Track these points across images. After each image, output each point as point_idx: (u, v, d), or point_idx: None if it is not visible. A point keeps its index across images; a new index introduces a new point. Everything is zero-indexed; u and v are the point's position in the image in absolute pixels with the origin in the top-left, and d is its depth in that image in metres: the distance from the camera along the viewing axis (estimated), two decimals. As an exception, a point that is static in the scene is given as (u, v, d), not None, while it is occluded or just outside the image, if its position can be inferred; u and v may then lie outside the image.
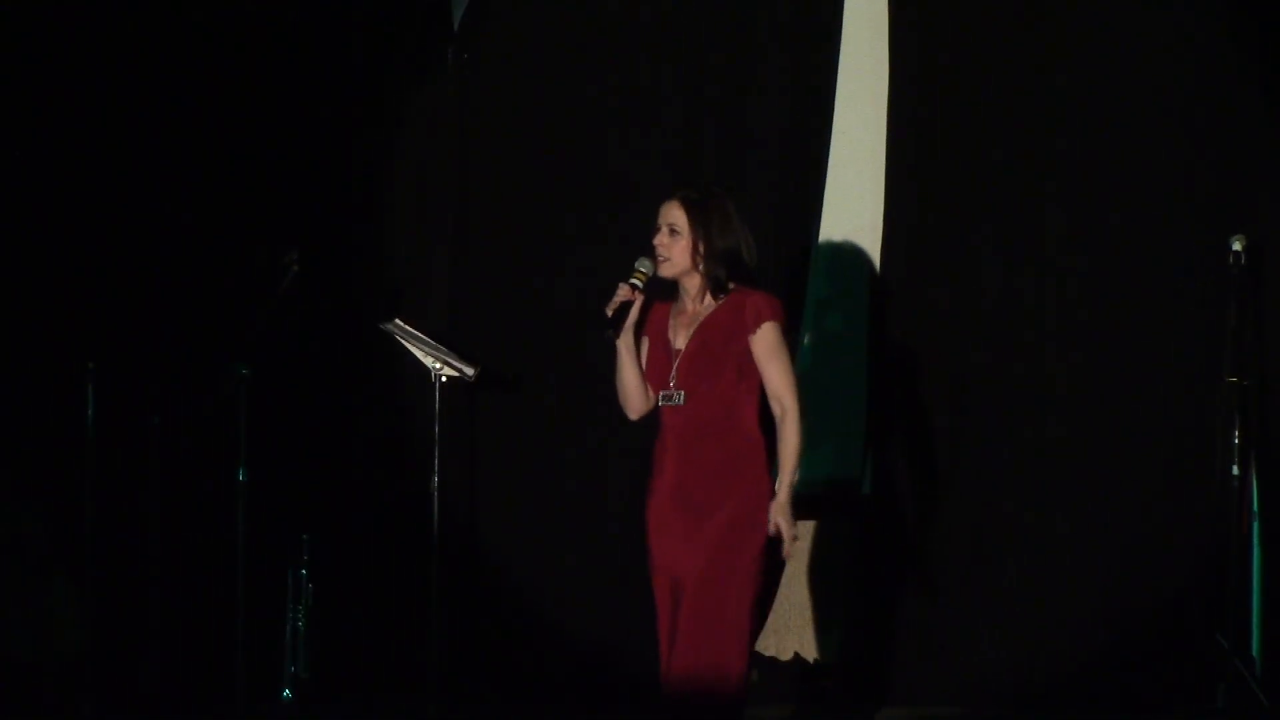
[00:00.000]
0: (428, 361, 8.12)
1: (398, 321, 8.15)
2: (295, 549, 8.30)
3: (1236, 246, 7.86)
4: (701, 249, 6.25)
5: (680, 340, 6.26)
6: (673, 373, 6.24)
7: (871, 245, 8.52)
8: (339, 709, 8.32)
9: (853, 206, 8.61)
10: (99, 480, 8.37)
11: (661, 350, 6.28)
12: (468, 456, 8.62)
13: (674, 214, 6.25)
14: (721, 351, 6.22)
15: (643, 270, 6.21)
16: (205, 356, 8.37)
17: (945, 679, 8.26)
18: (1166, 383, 8.19)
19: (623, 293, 6.18)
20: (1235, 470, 7.87)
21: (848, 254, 8.61)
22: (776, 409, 6.26)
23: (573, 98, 8.76)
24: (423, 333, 8.16)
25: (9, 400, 8.40)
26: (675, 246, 6.25)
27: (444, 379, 8.12)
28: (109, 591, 8.43)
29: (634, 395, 6.29)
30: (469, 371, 8.10)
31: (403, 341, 8.15)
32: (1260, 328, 8.03)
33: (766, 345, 6.24)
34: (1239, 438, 7.89)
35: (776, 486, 6.30)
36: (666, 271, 6.26)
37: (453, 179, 8.86)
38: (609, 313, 6.18)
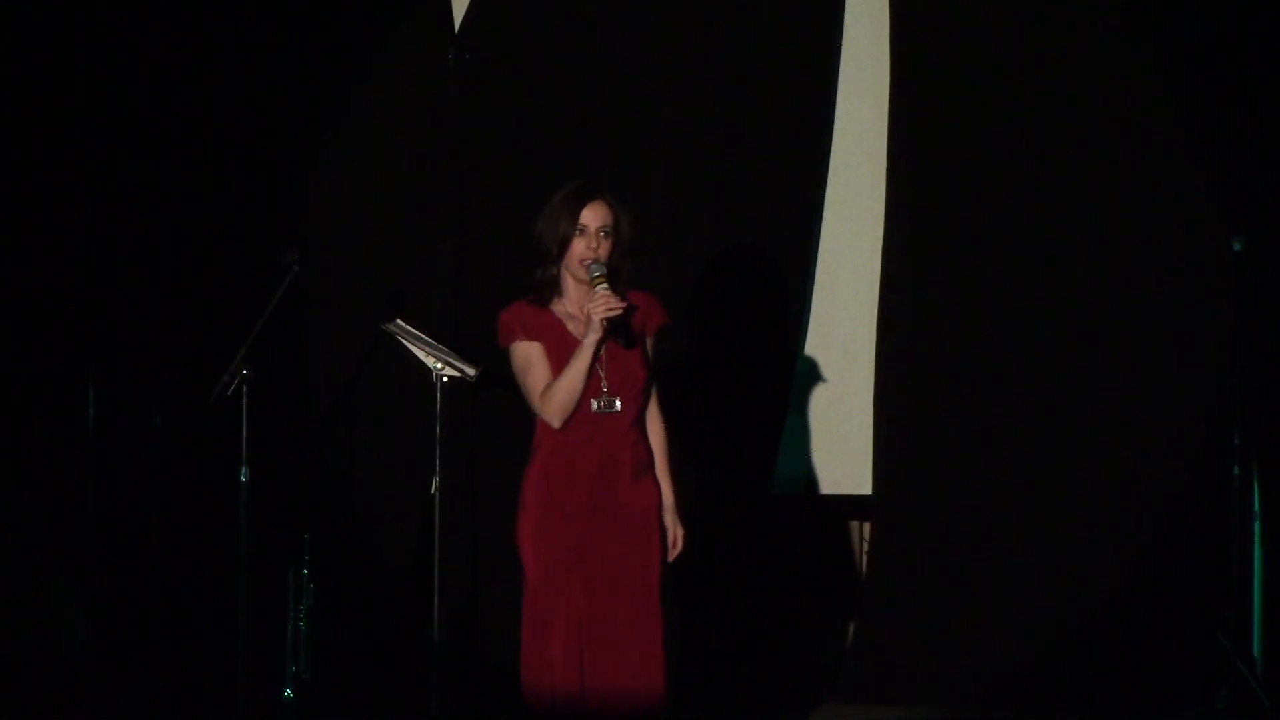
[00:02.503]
0: (429, 362, 8.11)
1: (399, 322, 8.14)
2: (295, 549, 8.29)
3: (1236, 247, 7.87)
4: (618, 251, 6.22)
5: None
6: (603, 379, 6.17)
7: (873, 246, 8.52)
8: (339, 709, 8.31)
9: (854, 208, 8.61)
10: (99, 480, 8.37)
11: (571, 353, 6.15)
12: (469, 457, 8.62)
13: (606, 215, 6.17)
14: (636, 353, 6.20)
15: (603, 275, 6.15)
16: (205, 356, 8.36)
17: (945, 679, 8.27)
18: (1166, 383, 8.20)
19: (615, 301, 6.09)
20: (1235, 470, 7.89)
21: (849, 256, 8.61)
22: (651, 411, 6.29)
23: (573, 98, 8.76)
24: (424, 333, 8.16)
25: (10, 400, 8.40)
26: (604, 248, 6.19)
27: (445, 379, 8.11)
28: (109, 591, 8.43)
29: (576, 400, 6.15)
30: (470, 372, 8.09)
31: (404, 342, 8.14)
32: (1260, 328, 8.04)
33: (651, 346, 6.25)
34: (1239, 438, 7.90)
35: (663, 491, 6.31)
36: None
37: (453, 179, 8.85)
38: (603, 323, 6.08)
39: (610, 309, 6.06)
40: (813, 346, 8.60)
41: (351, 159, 8.87)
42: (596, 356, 6.12)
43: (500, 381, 8.20)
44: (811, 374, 8.59)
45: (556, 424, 6.13)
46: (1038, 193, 8.36)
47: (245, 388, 7.95)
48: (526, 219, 8.60)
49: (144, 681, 8.44)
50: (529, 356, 6.19)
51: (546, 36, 8.80)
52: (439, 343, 8.16)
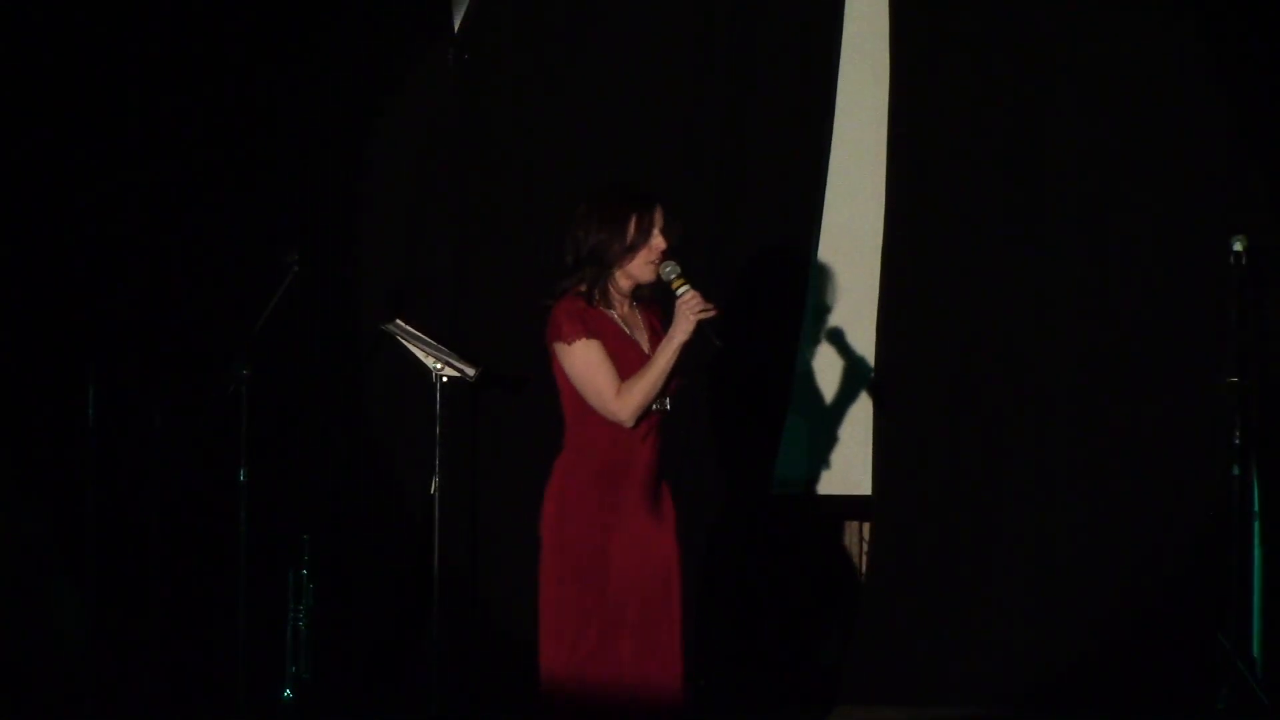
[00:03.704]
0: (429, 362, 8.11)
1: (398, 322, 8.14)
2: (295, 549, 8.29)
3: (1237, 246, 7.87)
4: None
5: (647, 345, 6.15)
6: None
7: (873, 247, 8.52)
8: (339, 709, 8.32)
9: (854, 208, 8.61)
10: (99, 480, 8.37)
11: (633, 355, 6.10)
12: (469, 457, 8.62)
13: (665, 220, 6.18)
14: None
15: (681, 275, 6.07)
16: (205, 356, 8.36)
17: (945, 679, 8.27)
18: (1166, 383, 8.21)
19: (706, 302, 6.02)
20: (1235, 470, 7.88)
21: (849, 256, 8.61)
22: None
23: (573, 98, 8.76)
24: (424, 333, 8.16)
25: (10, 400, 8.40)
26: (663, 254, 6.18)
27: (445, 379, 8.11)
28: (109, 591, 8.43)
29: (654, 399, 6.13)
30: (470, 372, 8.10)
31: (403, 342, 8.15)
32: (1260, 328, 8.04)
33: None
34: (1239, 438, 7.89)
35: None
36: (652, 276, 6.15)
37: (453, 179, 8.85)
38: (696, 322, 5.97)
39: (704, 310, 6.01)
40: (813, 346, 8.60)
41: (351, 158, 8.87)
42: (681, 357, 6.07)
43: (500, 381, 8.23)
44: (811, 374, 8.59)
45: (632, 423, 6.07)
46: (1037, 192, 8.36)
47: (245, 388, 7.95)
48: (526, 219, 8.70)
49: (144, 681, 8.44)
50: (596, 356, 6.08)
51: (546, 36, 8.81)
52: (439, 343, 8.16)
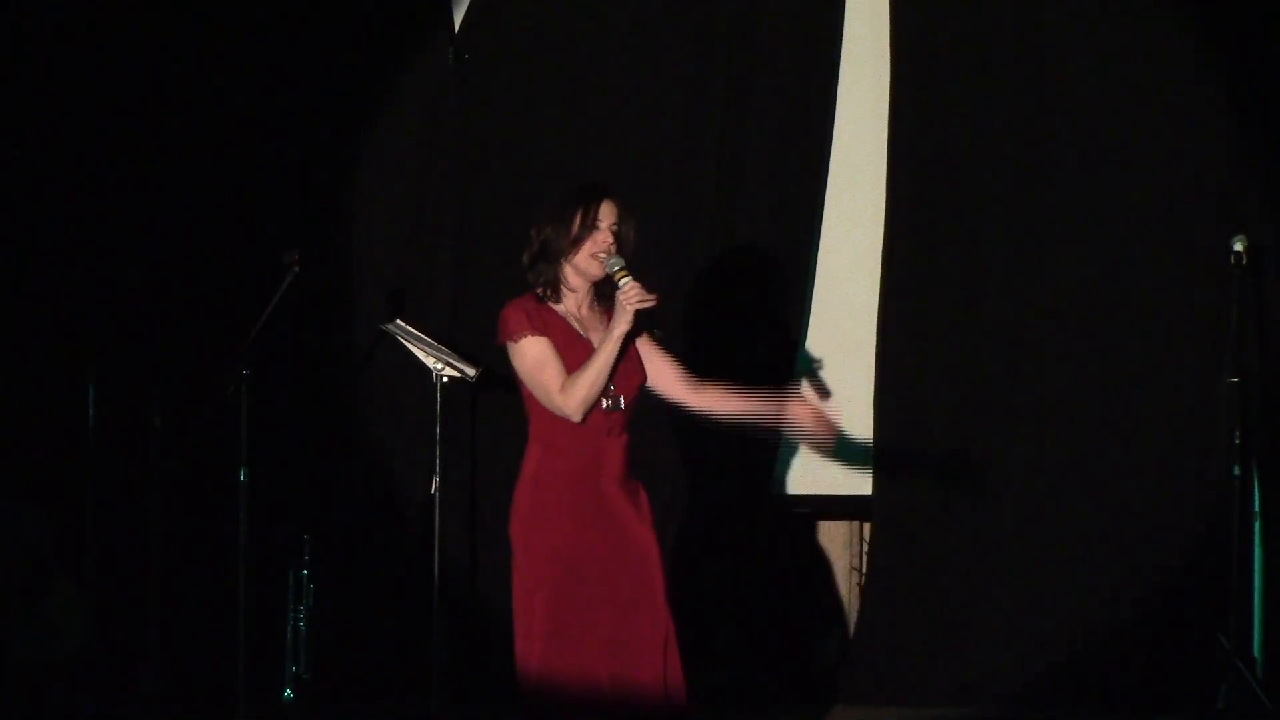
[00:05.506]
0: (429, 362, 8.11)
1: (398, 322, 8.14)
2: (295, 549, 8.29)
3: (1237, 246, 7.87)
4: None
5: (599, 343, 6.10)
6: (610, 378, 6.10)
7: (873, 246, 8.52)
8: (339, 709, 8.32)
9: (854, 208, 8.61)
10: (99, 480, 8.37)
11: (583, 353, 6.06)
12: (469, 457, 8.62)
13: (614, 214, 6.10)
14: (634, 355, 6.16)
15: (624, 268, 6.07)
16: (205, 357, 8.36)
17: (945, 679, 8.27)
18: (1166, 383, 8.21)
19: (646, 293, 5.99)
20: (1235, 470, 7.88)
21: (849, 257, 8.61)
22: (691, 389, 6.22)
23: (573, 98, 8.77)
24: (424, 333, 8.16)
25: (11, 401, 8.40)
26: (612, 247, 6.16)
27: (445, 379, 8.11)
28: (109, 591, 8.43)
29: (600, 393, 6.07)
30: (470, 372, 8.10)
31: (404, 342, 8.15)
32: (1260, 328, 8.04)
33: (649, 342, 6.20)
34: (1239, 438, 7.89)
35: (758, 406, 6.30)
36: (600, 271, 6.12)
37: (453, 179, 8.86)
38: (634, 312, 5.97)
39: (644, 300, 5.98)
40: (813, 346, 8.60)
41: (351, 159, 8.88)
42: (624, 349, 6.08)
43: (500, 381, 8.22)
44: (811, 373, 8.58)
45: (578, 418, 6.03)
46: (1038, 192, 8.36)
47: (245, 388, 7.95)
48: (526, 219, 8.58)
49: (144, 681, 8.44)
50: (542, 352, 6.06)
51: (546, 37, 8.81)
52: (439, 343, 8.16)
